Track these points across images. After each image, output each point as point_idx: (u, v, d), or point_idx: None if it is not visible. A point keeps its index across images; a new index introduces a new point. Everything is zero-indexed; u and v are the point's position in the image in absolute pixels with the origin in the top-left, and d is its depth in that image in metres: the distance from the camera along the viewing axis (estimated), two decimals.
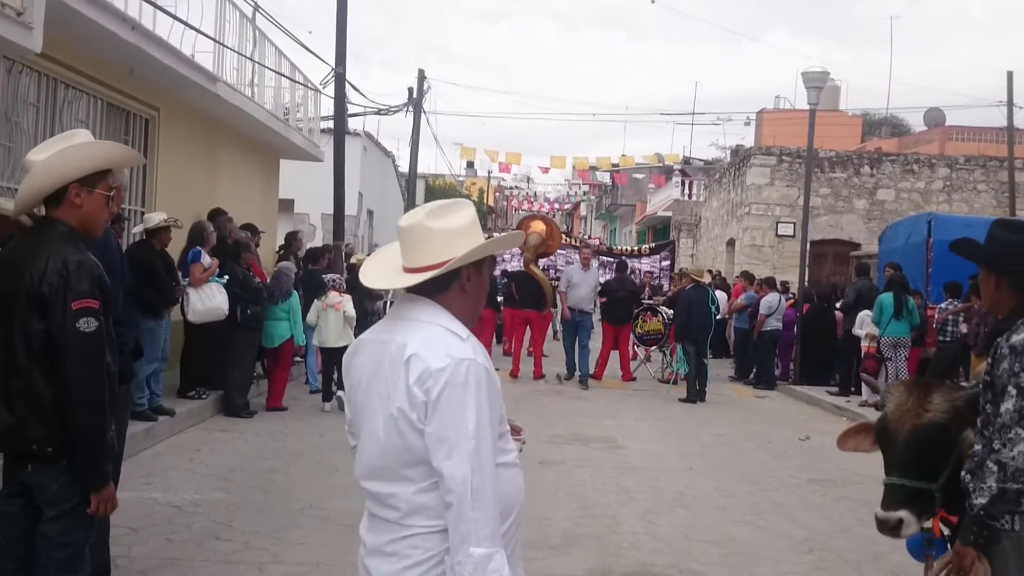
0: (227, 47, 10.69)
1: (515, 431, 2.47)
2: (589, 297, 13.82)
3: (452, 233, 2.28)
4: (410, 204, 31.20)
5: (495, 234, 3.10)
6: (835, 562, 5.78)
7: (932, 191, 22.01)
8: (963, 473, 2.91)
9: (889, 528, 3.10)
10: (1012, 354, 2.81)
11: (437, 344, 2.19)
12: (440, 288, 2.29)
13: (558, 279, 16.80)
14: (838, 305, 14.47)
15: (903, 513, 3.07)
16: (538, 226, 14.22)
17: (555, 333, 18.84)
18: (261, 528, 5.69)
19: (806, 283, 15.46)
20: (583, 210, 65.40)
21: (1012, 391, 2.79)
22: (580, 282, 13.69)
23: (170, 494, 6.27)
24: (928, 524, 3.10)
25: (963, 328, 11.46)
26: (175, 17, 8.94)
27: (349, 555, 5.24)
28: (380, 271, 2.45)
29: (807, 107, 15.12)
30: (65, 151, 3.23)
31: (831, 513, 6.93)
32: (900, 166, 22.25)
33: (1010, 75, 21.08)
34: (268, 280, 10.02)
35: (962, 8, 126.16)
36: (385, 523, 2.26)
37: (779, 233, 22.03)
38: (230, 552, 5.24)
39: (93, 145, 3.35)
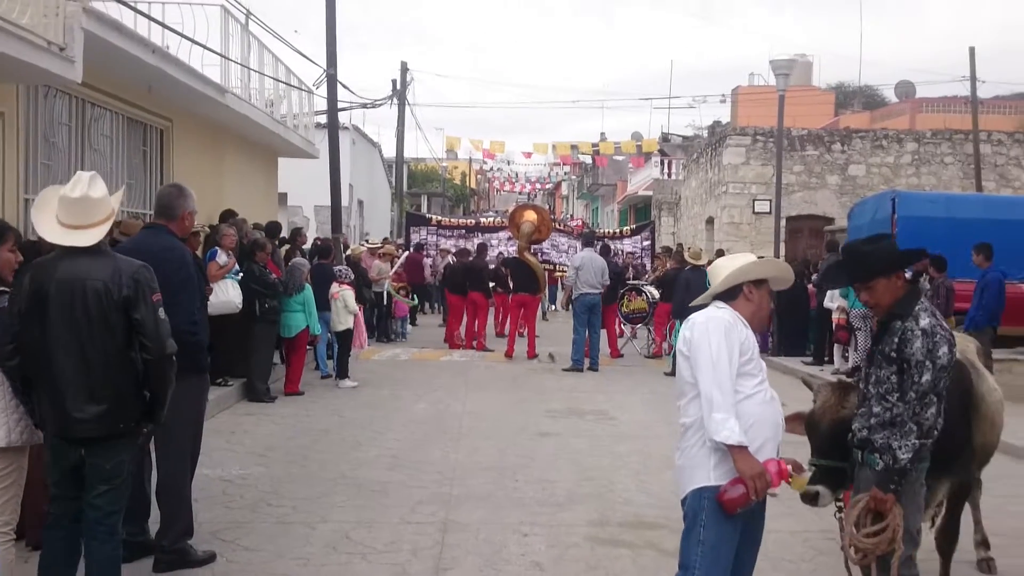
0: (233, 60, 11.41)
1: (797, 468, 3.77)
2: (597, 279, 13.60)
3: (736, 267, 3.79)
4: (398, 192, 31.91)
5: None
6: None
7: (902, 165, 22.92)
8: (859, 429, 3.75)
9: (809, 499, 3.91)
10: (924, 336, 3.58)
11: (704, 313, 3.73)
12: (731, 298, 3.78)
13: (547, 263, 17.70)
14: (813, 279, 15.33)
15: (819, 488, 3.89)
16: (531, 215, 15.10)
17: (543, 314, 19.82)
18: (304, 495, 6.53)
19: (781, 259, 16.30)
20: (564, 189, 66.10)
21: (928, 365, 3.54)
22: (586, 264, 13.55)
23: (218, 470, 7.08)
24: (840, 496, 3.94)
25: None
26: (189, 39, 9.72)
27: (386, 514, 6.18)
28: (703, 295, 3.94)
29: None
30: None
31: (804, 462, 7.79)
32: (870, 142, 23.14)
33: (972, 51, 22.04)
34: (283, 275, 10.81)
35: None
36: (680, 417, 3.79)
37: (756, 210, 22.88)
38: (282, 515, 6.08)
39: None
